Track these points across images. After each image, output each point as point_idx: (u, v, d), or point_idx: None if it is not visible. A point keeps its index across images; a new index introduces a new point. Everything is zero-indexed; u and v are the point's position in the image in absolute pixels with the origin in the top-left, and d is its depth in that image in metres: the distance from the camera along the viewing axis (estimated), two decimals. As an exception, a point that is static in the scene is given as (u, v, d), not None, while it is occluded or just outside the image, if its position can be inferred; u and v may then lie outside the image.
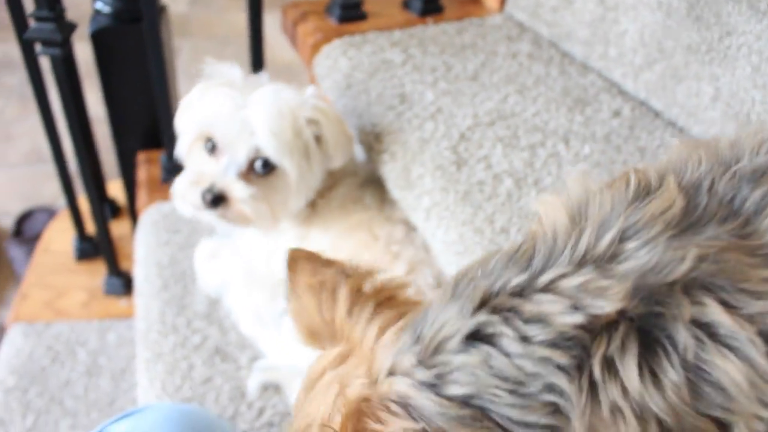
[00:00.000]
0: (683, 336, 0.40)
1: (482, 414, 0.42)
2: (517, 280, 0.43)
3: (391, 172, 1.02)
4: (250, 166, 0.97)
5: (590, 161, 0.96)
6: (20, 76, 2.90)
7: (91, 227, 1.65)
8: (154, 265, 1.31)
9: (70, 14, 1.25)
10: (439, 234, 0.92)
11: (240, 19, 1.89)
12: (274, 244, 1.13)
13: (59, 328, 1.60)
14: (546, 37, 1.25)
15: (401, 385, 0.44)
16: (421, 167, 0.98)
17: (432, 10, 1.34)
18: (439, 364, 0.43)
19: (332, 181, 1.11)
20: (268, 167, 0.97)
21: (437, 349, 0.44)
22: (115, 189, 1.86)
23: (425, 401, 0.43)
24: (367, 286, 0.57)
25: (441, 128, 1.03)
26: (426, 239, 0.98)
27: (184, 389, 1.10)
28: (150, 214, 1.45)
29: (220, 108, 0.98)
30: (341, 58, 1.21)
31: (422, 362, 0.44)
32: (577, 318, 0.40)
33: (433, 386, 0.43)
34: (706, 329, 0.40)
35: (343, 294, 0.55)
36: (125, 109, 1.58)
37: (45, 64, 1.30)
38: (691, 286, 0.40)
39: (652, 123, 1.03)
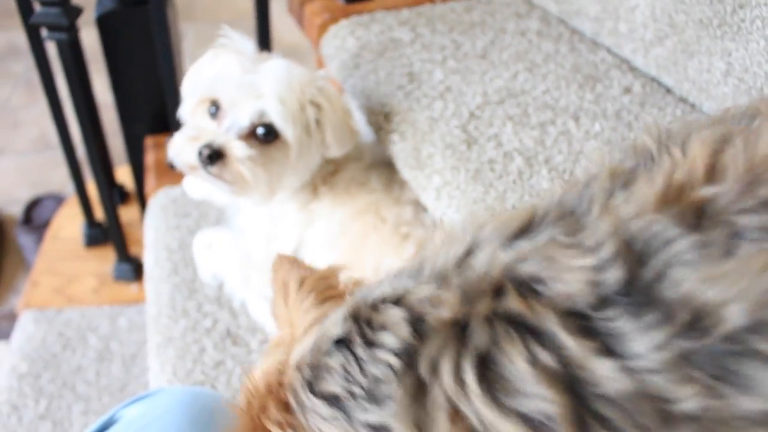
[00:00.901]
0: (475, 331, 0.42)
1: (345, 415, 0.45)
2: (384, 293, 0.47)
3: (400, 152, 1.02)
4: (252, 132, 0.96)
5: (601, 139, 0.95)
6: (26, 63, 2.91)
7: (99, 213, 1.65)
8: (164, 250, 1.31)
9: (76, -2, 1.24)
10: (450, 213, 0.92)
11: (244, 2, 1.88)
12: (275, 229, 1.13)
13: (70, 314, 1.61)
14: (555, 14, 1.23)
15: (295, 380, 0.49)
16: (431, 146, 0.97)
17: (439, -11, 1.32)
18: (316, 364, 0.47)
19: (335, 166, 1.09)
20: (270, 136, 0.96)
21: (319, 349, 0.48)
22: (124, 174, 1.86)
23: (304, 398, 0.47)
24: (328, 283, 0.62)
25: (450, 107, 1.02)
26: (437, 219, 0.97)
27: (195, 373, 1.10)
28: (158, 198, 1.44)
29: (229, 70, 0.98)
30: (349, 38, 1.20)
31: (311, 359, 0.48)
32: (414, 326, 0.44)
33: (309, 384, 0.47)
34: (508, 320, 0.42)
35: (297, 287, 0.61)
36: (132, 93, 1.57)
37: (51, 50, 1.30)
38: (503, 284, 0.43)
39: (663, 99, 1.02)
